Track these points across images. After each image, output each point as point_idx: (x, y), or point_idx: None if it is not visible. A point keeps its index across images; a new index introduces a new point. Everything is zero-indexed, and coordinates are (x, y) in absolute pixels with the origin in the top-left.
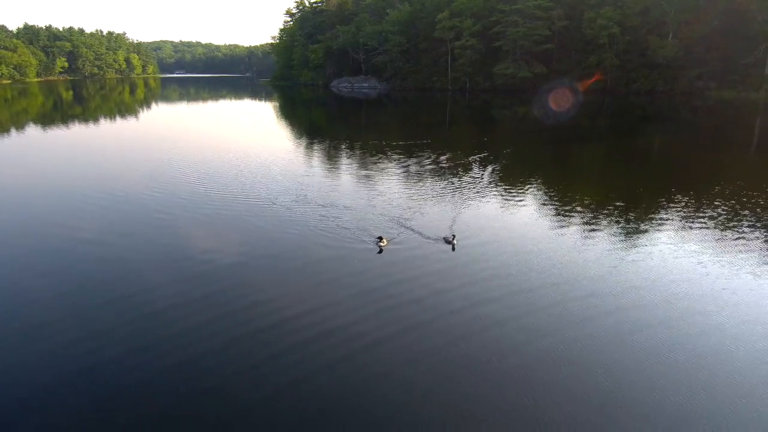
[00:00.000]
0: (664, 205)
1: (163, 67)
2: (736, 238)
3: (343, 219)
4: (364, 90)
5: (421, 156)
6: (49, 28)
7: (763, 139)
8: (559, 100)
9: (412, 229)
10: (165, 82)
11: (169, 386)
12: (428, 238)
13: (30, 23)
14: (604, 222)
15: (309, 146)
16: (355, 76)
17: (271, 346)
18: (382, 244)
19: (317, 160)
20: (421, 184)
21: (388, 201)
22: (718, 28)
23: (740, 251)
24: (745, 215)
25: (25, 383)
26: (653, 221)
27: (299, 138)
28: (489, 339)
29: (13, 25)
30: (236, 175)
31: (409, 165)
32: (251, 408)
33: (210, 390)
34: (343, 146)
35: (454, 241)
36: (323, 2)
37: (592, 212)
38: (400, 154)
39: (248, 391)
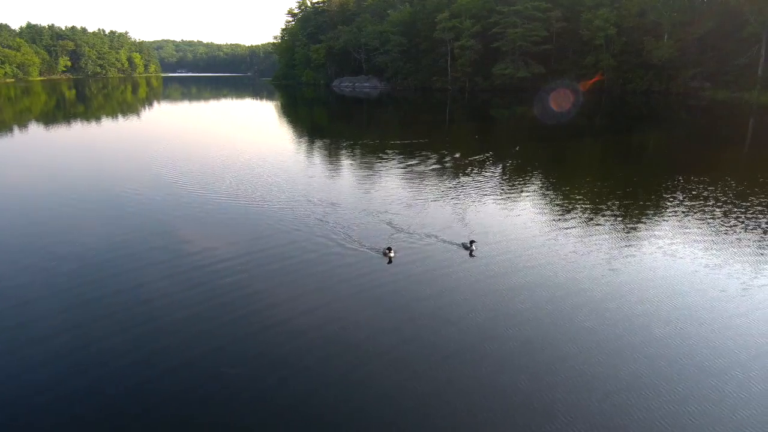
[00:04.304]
0: (695, 206)
1: (165, 66)
2: (735, 232)
3: (347, 222)
4: (366, 89)
5: (422, 155)
6: (51, 27)
7: (756, 137)
8: (560, 101)
9: (420, 233)
10: (167, 81)
11: (168, 387)
12: (437, 239)
13: (33, 22)
14: (622, 225)
15: (311, 145)
16: (357, 76)
17: (274, 353)
18: (391, 254)
19: (319, 158)
20: (424, 183)
21: (391, 201)
22: (713, 30)
23: (739, 245)
24: (739, 210)
25: (22, 384)
26: (677, 222)
27: (301, 137)
28: (510, 357)
29: (16, 24)
30: (238, 174)
31: (411, 164)
32: (252, 413)
33: (209, 392)
34: (345, 144)
35: (473, 247)
36: (325, 2)
37: (610, 213)
38: (400, 152)
39: (248, 395)
